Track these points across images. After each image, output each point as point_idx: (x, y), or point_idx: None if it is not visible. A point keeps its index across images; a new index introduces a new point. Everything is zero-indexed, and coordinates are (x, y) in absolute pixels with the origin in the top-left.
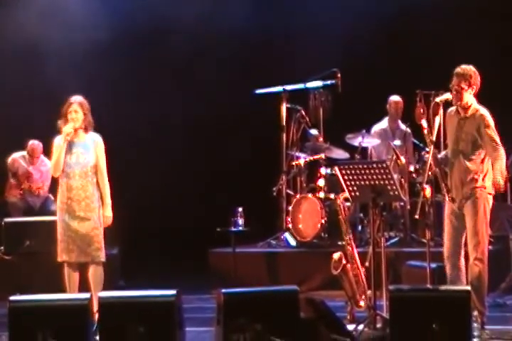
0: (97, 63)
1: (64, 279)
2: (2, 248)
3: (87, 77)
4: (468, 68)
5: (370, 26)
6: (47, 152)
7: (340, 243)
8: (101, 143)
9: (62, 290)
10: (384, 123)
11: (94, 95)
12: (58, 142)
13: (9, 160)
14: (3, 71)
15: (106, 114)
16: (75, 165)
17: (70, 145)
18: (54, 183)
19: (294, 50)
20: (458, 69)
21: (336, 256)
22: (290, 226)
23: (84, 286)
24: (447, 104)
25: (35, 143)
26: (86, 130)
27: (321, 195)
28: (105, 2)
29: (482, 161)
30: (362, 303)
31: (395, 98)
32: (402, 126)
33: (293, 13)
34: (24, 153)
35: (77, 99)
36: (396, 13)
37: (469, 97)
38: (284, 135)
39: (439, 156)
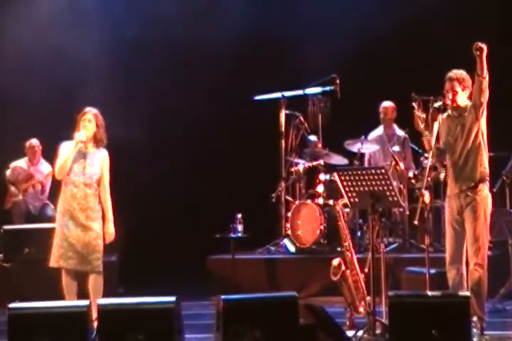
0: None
1: (62, 286)
2: (1, 255)
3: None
4: (460, 72)
5: (369, 32)
6: (46, 156)
7: (339, 249)
8: (107, 160)
9: (62, 298)
10: (380, 130)
11: (100, 99)
12: (67, 146)
13: (8, 171)
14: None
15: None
16: (82, 174)
17: (78, 155)
18: (52, 190)
19: (293, 56)
20: (450, 74)
21: (335, 262)
22: (289, 232)
23: (83, 294)
24: (446, 110)
25: (33, 141)
26: (96, 144)
27: (320, 201)
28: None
29: (481, 165)
30: (361, 309)
31: (384, 103)
32: (399, 132)
33: (292, 19)
34: (24, 159)
35: (92, 110)
36: (396, 20)
37: (463, 100)
38: (283, 141)
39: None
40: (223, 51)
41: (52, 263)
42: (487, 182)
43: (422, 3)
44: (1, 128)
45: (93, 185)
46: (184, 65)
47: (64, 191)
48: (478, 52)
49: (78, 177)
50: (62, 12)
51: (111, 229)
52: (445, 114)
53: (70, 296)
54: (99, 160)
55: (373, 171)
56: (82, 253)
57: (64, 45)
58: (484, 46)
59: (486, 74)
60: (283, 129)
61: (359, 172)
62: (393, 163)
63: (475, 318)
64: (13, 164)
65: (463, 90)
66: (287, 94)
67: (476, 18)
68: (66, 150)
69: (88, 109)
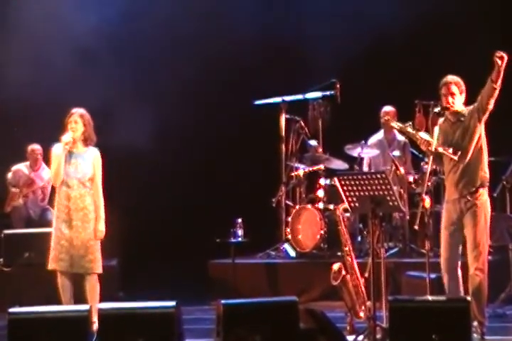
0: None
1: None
2: (1, 260)
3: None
4: (455, 77)
5: (369, 37)
6: (46, 160)
7: (339, 254)
8: (99, 158)
9: (61, 302)
10: (380, 135)
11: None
12: (57, 151)
13: (9, 174)
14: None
15: (107, 124)
16: (74, 174)
17: (69, 156)
18: (52, 195)
19: (294, 61)
20: (447, 78)
21: (336, 266)
22: (289, 237)
23: (80, 297)
24: (444, 114)
25: (34, 146)
26: (85, 143)
27: (321, 205)
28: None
29: (481, 170)
30: (361, 314)
31: (385, 108)
32: (400, 137)
33: (293, 24)
34: (25, 163)
35: (78, 110)
36: (395, 24)
37: (461, 103)
38: (284, 146)
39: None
40: (224, 56)
41: (49, 265)
42: (487, 187)
43: (423, 6)
44: (5, 131)
45: (86, 184)
46: (185, 70)
47: (58, 193)
48: (499, 61)
49: (71, 179)
50: (67, 11)
51: (101, 227)
52: (441, 119)
53: (65, 297)
54: (90, 159)
55: (374, 176)
56: (75, 255)
57: (71, 48)
58: (505, 55)
59: (499, 82)
60: (283, 134)
61: (359, 176)
62: (393, 167)
63: (475, 323)
64: (14, 167)
65: (460, 94)
66: (287, 98)
67: (476, 18)
68: (56, 155)
69: (74, 110)
